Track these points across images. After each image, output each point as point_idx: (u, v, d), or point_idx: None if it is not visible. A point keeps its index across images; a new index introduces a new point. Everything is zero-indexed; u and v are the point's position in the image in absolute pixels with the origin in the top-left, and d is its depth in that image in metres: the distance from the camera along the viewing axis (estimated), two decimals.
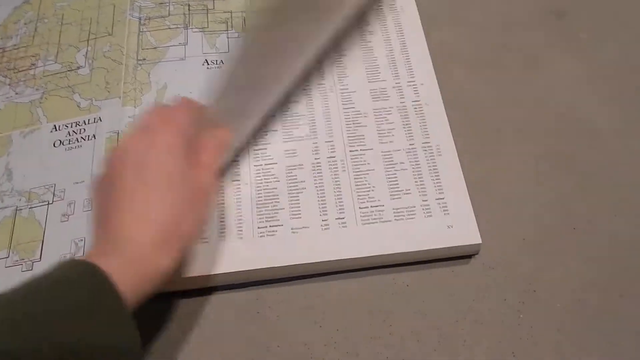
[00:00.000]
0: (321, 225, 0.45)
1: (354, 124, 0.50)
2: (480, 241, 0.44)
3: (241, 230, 0.45)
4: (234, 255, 0.43)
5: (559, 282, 0.44)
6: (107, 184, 0.36)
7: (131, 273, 0.33)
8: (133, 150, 0.36)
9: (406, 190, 0.46)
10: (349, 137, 0.49)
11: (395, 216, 0.45)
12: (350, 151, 0.48)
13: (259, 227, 0.45)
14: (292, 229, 0.45)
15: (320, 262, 0.43)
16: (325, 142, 0.49)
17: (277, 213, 0.45)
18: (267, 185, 0.47)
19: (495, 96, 0.53)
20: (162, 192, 0.35)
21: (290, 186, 0.47)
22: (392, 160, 0.48)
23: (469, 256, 0.45)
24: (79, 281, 0.31)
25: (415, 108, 0.50)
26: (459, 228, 0.44)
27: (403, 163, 0.47)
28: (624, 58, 0.55)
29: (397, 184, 0.46)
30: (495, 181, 0.48)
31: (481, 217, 0.45)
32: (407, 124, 0.49)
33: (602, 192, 0.48)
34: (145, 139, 0.36)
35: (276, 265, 0.43)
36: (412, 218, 0.45)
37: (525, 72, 0.54)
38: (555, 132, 0.51)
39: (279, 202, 0.46)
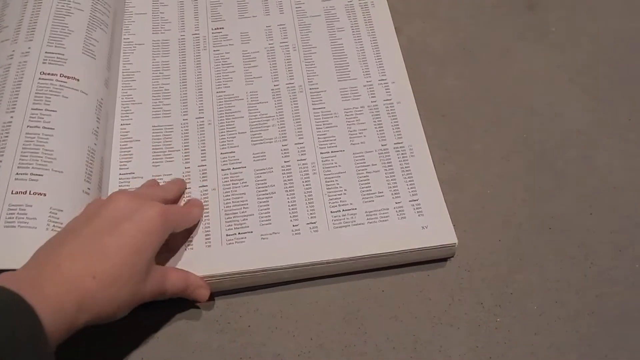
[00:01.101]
0: (292, 231, 0.43)
1: (324, 124, 0.48)
2: (456, 240, 0.43)
3: (209, 239, 0.43)
4: (202, 264, 0.41)
5: (535, 284, 0.43)
6: (80, 221, 0.37)
7: (66, 302, 0.32)
8: (117, 206, 0.37)
9: (379, 192, 0.45)
10: (319, 138, 0.48)
11: (368, 219, 0.44)
12: (321, 153, 0.47)
13: (227, 235, 0.43)
14: (261, 235, 0.43)
15: (291, 266, 0.42)
16: (295, 144, 0.47)
17: (246, 219, 0.44)
18: (236, 191, 0.45)
19: (467, 91, 0.52)
20: (117, 260, 0.34)
21: (260, 191, 0.45)
22: (364, 162, 0.46)
23: (445, 259, 0.44)
24: (2, 311, 0.29)
25: (387, 107, 0.49)
26: (434, 228, 0.43)
27: (375, 165, 0.46)
28: (596, 50, 0.54)
29: (369, 186, 0.45)
30: (469, 180, 0.47)
31: (456, 218, 0.44)
32: (378, 124, 0.48)
33: (577, 189, 0.47)
34: (132, 204, 0.37)
35: (245, 273, 0.41)
36: (386, 220, 0.44)
37: (496, 65, 0.53)
38: (528, 127, 0.50)
39: (247, 207, 0.44)
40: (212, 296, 0.42)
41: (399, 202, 0.44)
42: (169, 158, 0.47)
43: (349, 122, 0.48)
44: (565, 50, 0.54)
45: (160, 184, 0.45)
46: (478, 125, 0.50)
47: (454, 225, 0.43)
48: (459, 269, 0.44)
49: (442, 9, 0.57)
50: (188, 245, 0.42)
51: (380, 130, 0.48)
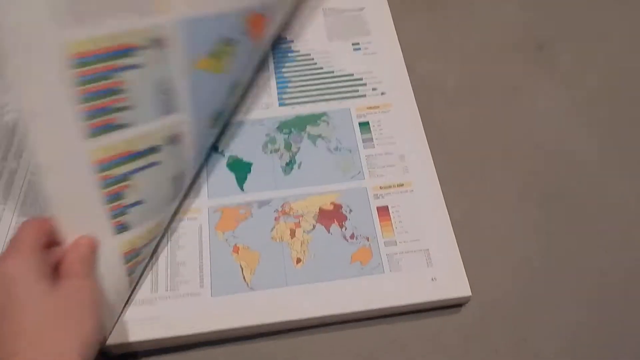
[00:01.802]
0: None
1: None
2: (469, 293, 0.42)
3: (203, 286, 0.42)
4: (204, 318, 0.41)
5: (551, 329, 0.42)
6: None
7: None
8: None
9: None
10: None
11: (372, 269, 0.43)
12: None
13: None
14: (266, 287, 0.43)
15: (294, 320, 0.42)
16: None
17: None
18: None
19: (478, 130, 0.52)
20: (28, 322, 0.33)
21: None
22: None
23: (460, 304, 0.43)
24: None
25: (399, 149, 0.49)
26: (445, 280, 0.43)
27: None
28: (603, 88, 0.54)
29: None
30: (482, 220, 0.47)
31: (469, 260, 0.44)
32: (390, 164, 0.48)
33: (590, 227, 0.47)
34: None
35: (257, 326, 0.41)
36: (389, 271, 0.43)
37: (506, 104, 0.53)
38: (539, 165, 0.50)
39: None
40: (223, 342, 0.41)
41: (408, 251, 0.44)
42: None
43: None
44: (573, 87, 0.54)
45: None
46: (490, 163, 0.50)
47: (466, 268, 0.43)
48: (473, 315, 0.43)
49: (452, 47, 0.57)
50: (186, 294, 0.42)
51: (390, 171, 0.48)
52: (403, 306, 0.42)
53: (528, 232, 0.46)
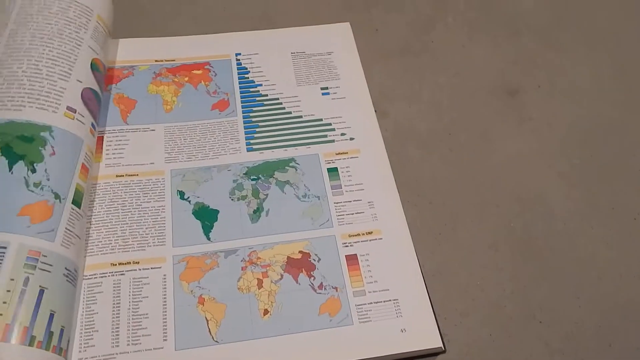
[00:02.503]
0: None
1: None
2: (440, 344, 0.42)
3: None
4: None
5: None
6: None
7: None
8: None
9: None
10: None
11: (338, 320, 0.43)
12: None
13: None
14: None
15: None
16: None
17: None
18: None
19: (452, 177, 0.52)
20: None
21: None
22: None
23: (434, 354, 0.43)
24: None
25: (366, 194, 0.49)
26: (415, 331, 0.42)
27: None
28: (576, 135, 0.56)
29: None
30: (457, 270, 0.47)
31: (445, 311, 0.44)
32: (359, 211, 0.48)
33: (563, 280, 0.47)
34: None
35: None
36: (357, 322, 0.43)
37: (480, 150, 0.54)
38: (513, 215, 0.50)
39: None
40: None
41: (377, 302, 0.43)
42: None
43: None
44: (545, 135, 0.55)
45: None
46: (465, 212, 0.50)
47: (440, 317, 0.43)
48: None
49: (426, 93, 0.58)
50: None
51: (358, 218, 0.47)
52: (373, 359, 0.41)
53: (503, 283, 0.46)
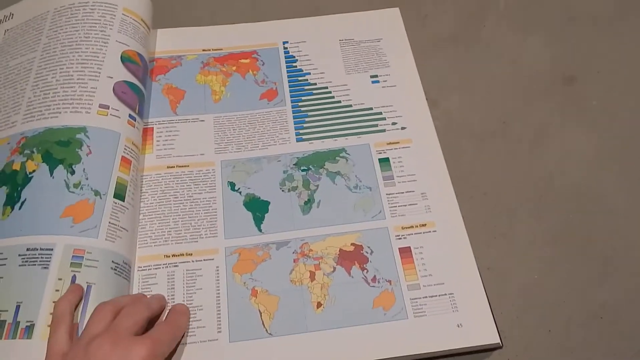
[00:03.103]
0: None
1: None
2: (498, 341, 0.41)
3: None
4: None
5: None
6: None
7: None
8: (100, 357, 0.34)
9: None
10: None
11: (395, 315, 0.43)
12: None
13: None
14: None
15: None
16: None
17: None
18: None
19: (508, 169, 0.51)
20: None
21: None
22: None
23: (492, 350, 0.42)
24: None
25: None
26: (473, 326, 0.42)
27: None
28: (636, 126, 0.54)
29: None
30: (514, 265, 0.46)
31: (501, 306, 0.43)
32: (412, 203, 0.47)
33: (625, 276, 0.46)
34: (119, 350, 0.34)
35: None
36: (412, 316, 0.42)
37: (535, 142, 0.52)
38: (572, 209, 0.49)
39: None
40: None
41: (431, 295, 0.43)
42: None
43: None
44: (605, 126, 0.53)
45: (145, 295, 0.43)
46: (520, 206, 0.49)
47: (497, 314, 0.42)
48: None
49: (478, 82, 0.56)
50: None
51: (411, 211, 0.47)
52: (428, 354, 0.41)
53: (562, 279, 0.45)
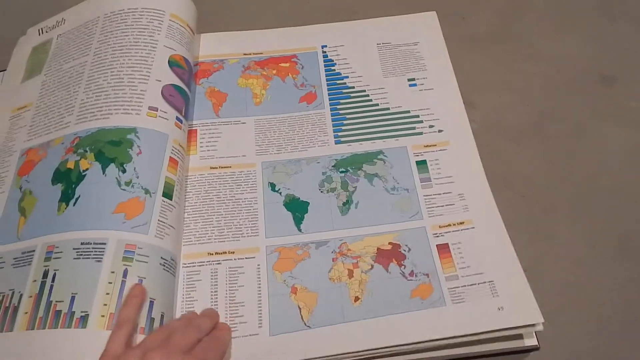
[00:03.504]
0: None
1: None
2: (542, 319, 0.41)
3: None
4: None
5: None
6: None
7: None
8: None
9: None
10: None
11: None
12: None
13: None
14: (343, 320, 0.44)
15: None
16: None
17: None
18: None
19: (546, 170, 0.52)
20: None
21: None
22: None
23: (529, 351, 0.43)
24: None
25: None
26: (514, 307, 0.42)
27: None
28: None
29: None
30: (552, 265, 0.47)
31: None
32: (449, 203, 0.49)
33: None
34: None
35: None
36: (454, 303, 0.43)
37: (574, 143, 0.53)
38: (612, 210, 0.49)
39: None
40: None
41: (470, 283, 0.44)
42: None
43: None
44: None
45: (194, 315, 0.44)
46: (559, 206, 0.49)
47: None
48: None
49: (516, 83, 0.57)
50: None
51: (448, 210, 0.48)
52: (467, 336, 0.42)
53: (601, 281, 0.46)
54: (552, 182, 0.51)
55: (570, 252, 0.47)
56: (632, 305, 0.45)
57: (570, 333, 0.44)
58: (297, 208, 0.49)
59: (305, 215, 0.49)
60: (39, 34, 0.60)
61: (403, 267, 0.46)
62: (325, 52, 0.59)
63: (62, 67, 0.54)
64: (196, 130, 0.54)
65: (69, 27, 0.58)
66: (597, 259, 0.47)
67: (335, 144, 0.53)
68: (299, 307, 0.45)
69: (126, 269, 0.42)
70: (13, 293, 0.42)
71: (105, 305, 0.40)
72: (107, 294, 0.41)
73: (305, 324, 0.44)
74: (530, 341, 0.42)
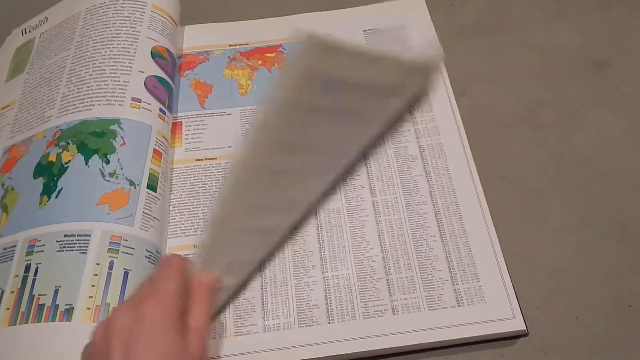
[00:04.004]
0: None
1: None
2: (524, 327, 0.42)
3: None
4: None
5: None
6: None
7: None
8: (118, 327, 0.34)
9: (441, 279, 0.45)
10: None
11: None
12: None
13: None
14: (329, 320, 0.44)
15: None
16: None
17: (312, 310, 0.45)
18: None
19: (536, 157, 0.52)
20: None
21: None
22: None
23: (518, 337, 0.43)
24: None
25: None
26: (497, 314, 0.43)
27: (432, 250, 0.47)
28: None
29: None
30: (542, 252, 0.47)
31: (528, 293, 0.44)
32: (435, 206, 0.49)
33: None
34: (131, 313, 0.34)
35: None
36: (440, 308, 0.44)
37: (564, 129, 0.53)
38: (604, 196, 0.49)
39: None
40: None
41: (455, 287, 0.45)
42: None
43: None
44: (638, 111, 0.54)
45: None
46: (549, 193, 0.50)
47: (522, 301, 0.43)
48: (534, 349, 0.43)
49: (507, 70, 0.57)
50: None
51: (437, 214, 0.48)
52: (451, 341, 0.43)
53: (592, 266, 0.46)
54: (541, 168, 0.51)
55: (560, 237, 0.48)
56: (624, 290, 0.45)
57: (561, 319, 0.44)
58: None
59: None
60: (22, 34, 0.60)
61: None
62: None
63: (44, 63, 0.55)
64: (181, 122, 0.54)
65: (52, 25, 0.58)
66: (588, 244, 0.47)
67: None
68: None
69: (112, 260, 0.42)
70: None
71: (90, 297, 0.40)
72: (93, 286, 0.41)
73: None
74: (518, 325, 0.42)
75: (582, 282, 0.46)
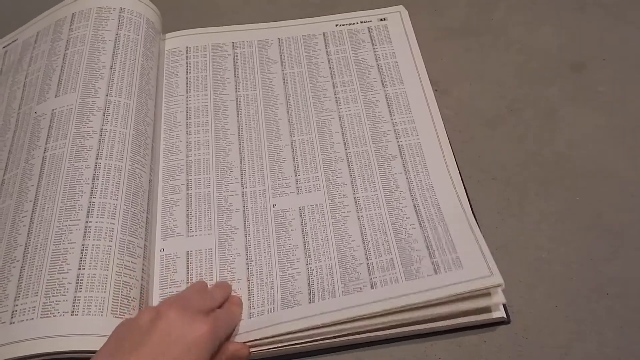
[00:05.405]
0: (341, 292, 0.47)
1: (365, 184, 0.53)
2: (501, 281, 0.43)
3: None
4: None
5: (594, 352, 0.45)
6: (129, 333, 0.39)
7: None
8: (169, 323, 0.38)
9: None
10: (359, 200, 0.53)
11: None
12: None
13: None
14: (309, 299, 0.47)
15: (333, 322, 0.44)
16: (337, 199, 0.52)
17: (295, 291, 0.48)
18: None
19: (517, 154, 0.55)
20: None
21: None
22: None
23: (500, 323, 0.46)
24: None
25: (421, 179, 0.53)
26: (472, 270, 0.44)
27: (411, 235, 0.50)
28: None
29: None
30: (523, 244, 0.50)
31: (511, 283, 0.47)
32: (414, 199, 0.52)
33: (632, 252, 0.50)
34: (184, 320, 0.39)
35: (292, 333, 0.44)
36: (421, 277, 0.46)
37: (545, 127, 0.57)
38: (582, 190, 0.53)
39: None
40: None
41: (433, 260, 0.47)
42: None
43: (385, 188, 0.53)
44: (614, 111, 0.58)
45: (207, 284, 0.47)
46: (530, 188, 0.53)
47: (506, 289, 0.46)
48: (516, 335, 0.46)
49: (489, 71, 0.61)
50: None
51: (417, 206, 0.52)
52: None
53: (571, 256, 0.50)
54: (522, 164, 0.55)
55: (542, 229, 0.51)
56: (603, 279, 0.48)
57: (541, 306, 0.47)
58: None
59: None
60: None
61: None
62: None
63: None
64: None
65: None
66: (568, 235, 0.51)
67: None
68: None
69: None
70: None
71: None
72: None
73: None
74: (498, 313, 0.45)
75: (561, 272, 0.49)
